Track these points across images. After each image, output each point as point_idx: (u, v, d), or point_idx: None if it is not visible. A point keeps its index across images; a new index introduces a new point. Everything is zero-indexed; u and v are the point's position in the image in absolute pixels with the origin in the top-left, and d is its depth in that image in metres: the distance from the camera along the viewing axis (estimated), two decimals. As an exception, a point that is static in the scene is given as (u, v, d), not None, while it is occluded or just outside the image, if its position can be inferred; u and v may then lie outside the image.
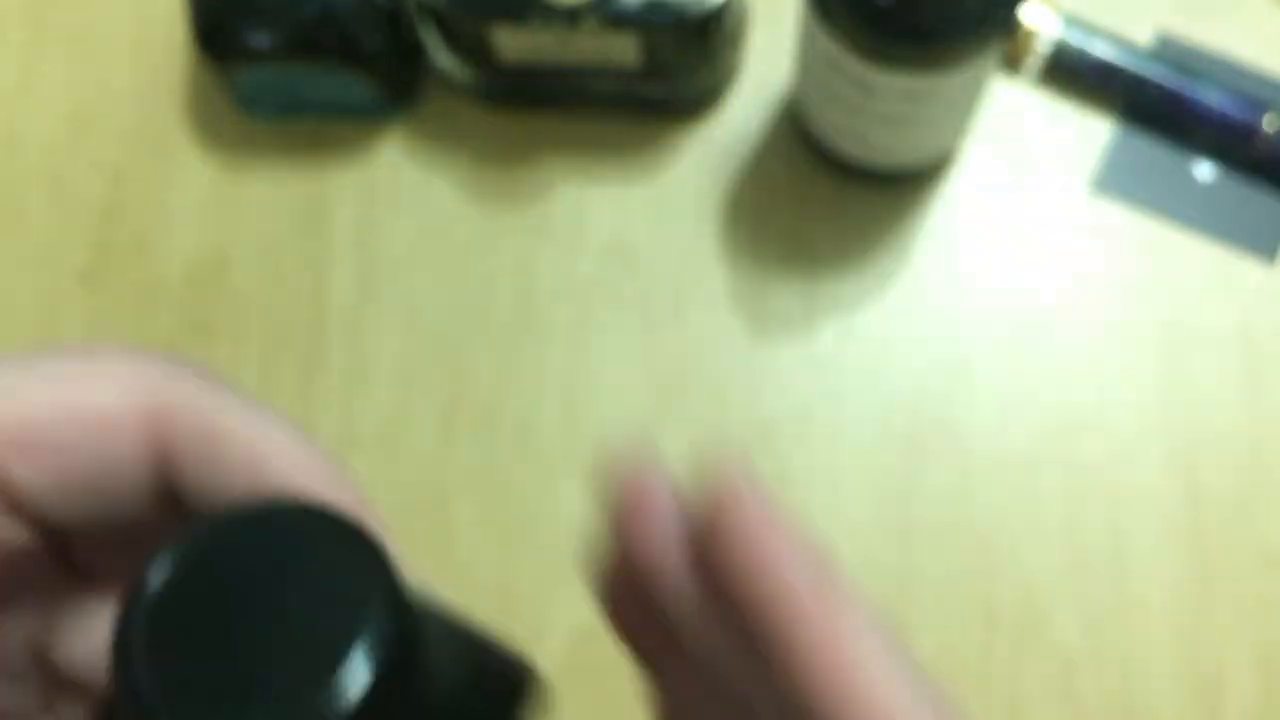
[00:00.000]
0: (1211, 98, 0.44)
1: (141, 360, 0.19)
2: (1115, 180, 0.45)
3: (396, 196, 0.46)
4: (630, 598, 0.23)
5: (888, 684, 0.19)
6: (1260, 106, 0.44)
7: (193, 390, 0.19)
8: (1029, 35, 0.45)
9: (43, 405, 0.19)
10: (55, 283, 0.45)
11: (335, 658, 0.16)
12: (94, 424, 0.19)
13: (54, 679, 0.22)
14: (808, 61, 0.40)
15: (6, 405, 0.19)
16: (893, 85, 0.37)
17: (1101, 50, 0.45)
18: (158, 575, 0.17)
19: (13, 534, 0.19)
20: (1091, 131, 0.46)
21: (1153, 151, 0.45)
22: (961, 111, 0.41)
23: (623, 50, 0.42)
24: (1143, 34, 0.46)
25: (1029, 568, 0.41)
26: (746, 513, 0.20)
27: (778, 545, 0.20)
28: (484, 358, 0.44)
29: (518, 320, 0.44)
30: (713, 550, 0.20)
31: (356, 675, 0.16)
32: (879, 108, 0.39)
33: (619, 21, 0.40)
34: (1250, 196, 0.45)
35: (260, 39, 0.42)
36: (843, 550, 0.41)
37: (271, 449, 0.19)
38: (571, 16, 0.40)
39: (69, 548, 0.20)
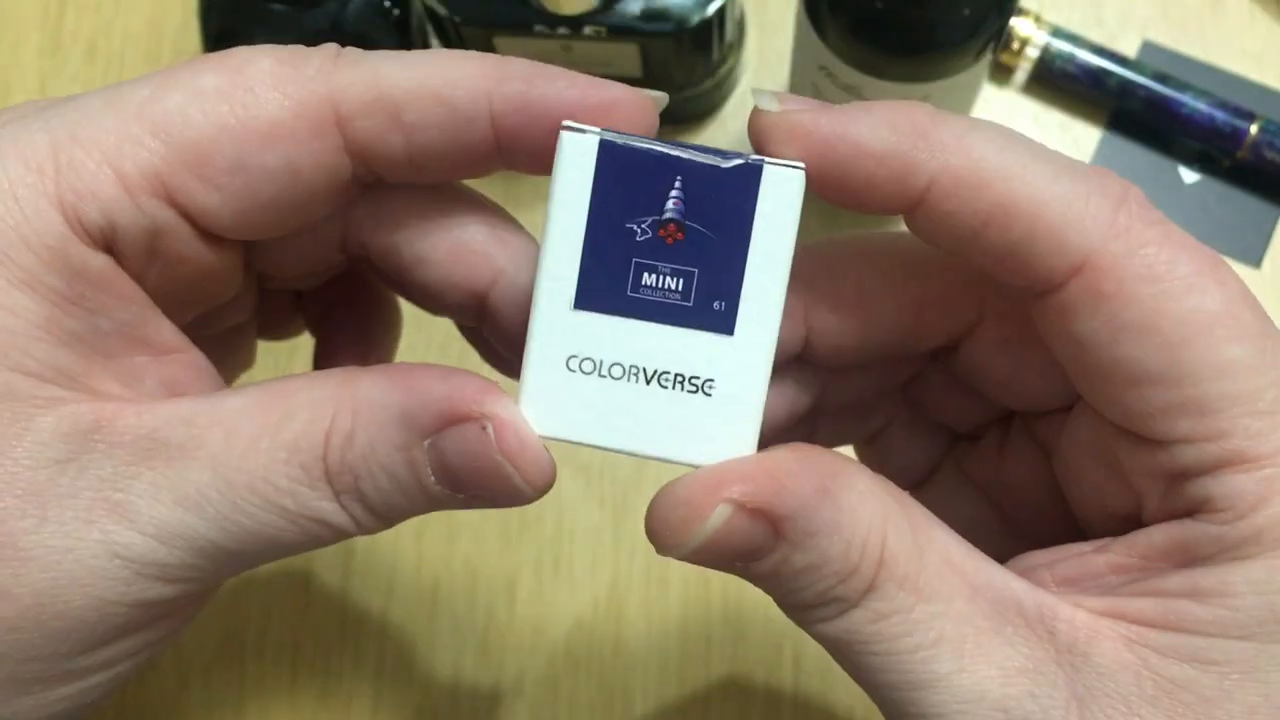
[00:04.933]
0: (1197, 106, 0.45)
1: (288, 61, 0.22)
2: (1103, 186, 0.46)
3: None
4: None
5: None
6: (1245, 114, 0.45)
7: (353, 70, 0.22)
8: (1019, 45, 0.46)
9: (209, 125, 0.21)
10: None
11: None
12: (267, 134, 0.21)
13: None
14: (802, 69, 0.41)
15: (179, 130, 0.21)
16: (885, 93, 0.38)
17: (1089, 59, 0.46)
18: None
19: (208, 258, 0.23)
20: (1079, 139, 0.47)
21: (1139, 158, 0.46)
22: (952, 118, 0.42)
23: (624, 58, 0.42)
24: (1129, 44, 0.47)
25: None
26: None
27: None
28: (488, 357, 0.45)
29: (521, 321, 0.45)
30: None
31: None
32: (872, 115, 0.40)
33: (620, 30, 0.40)
34: (1235, 202, 0.46)
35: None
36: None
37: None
38: (574, 26, 0.41)
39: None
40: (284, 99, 0.21)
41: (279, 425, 0.21)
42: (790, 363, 0.25)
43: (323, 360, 0.31)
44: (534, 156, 0.22)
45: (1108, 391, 0.21)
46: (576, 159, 0.20)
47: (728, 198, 0.20)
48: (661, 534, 0.21)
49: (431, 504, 0.22)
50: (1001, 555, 0.23)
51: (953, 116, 0.21)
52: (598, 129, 0.20)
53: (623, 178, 0.20)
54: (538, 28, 0.41)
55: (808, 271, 0.24)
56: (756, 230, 0.20)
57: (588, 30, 0.40)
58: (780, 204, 0.20)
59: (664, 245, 0.20)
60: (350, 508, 0.21)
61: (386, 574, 0.43)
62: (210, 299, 0.25)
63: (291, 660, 0.42)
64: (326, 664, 0.42)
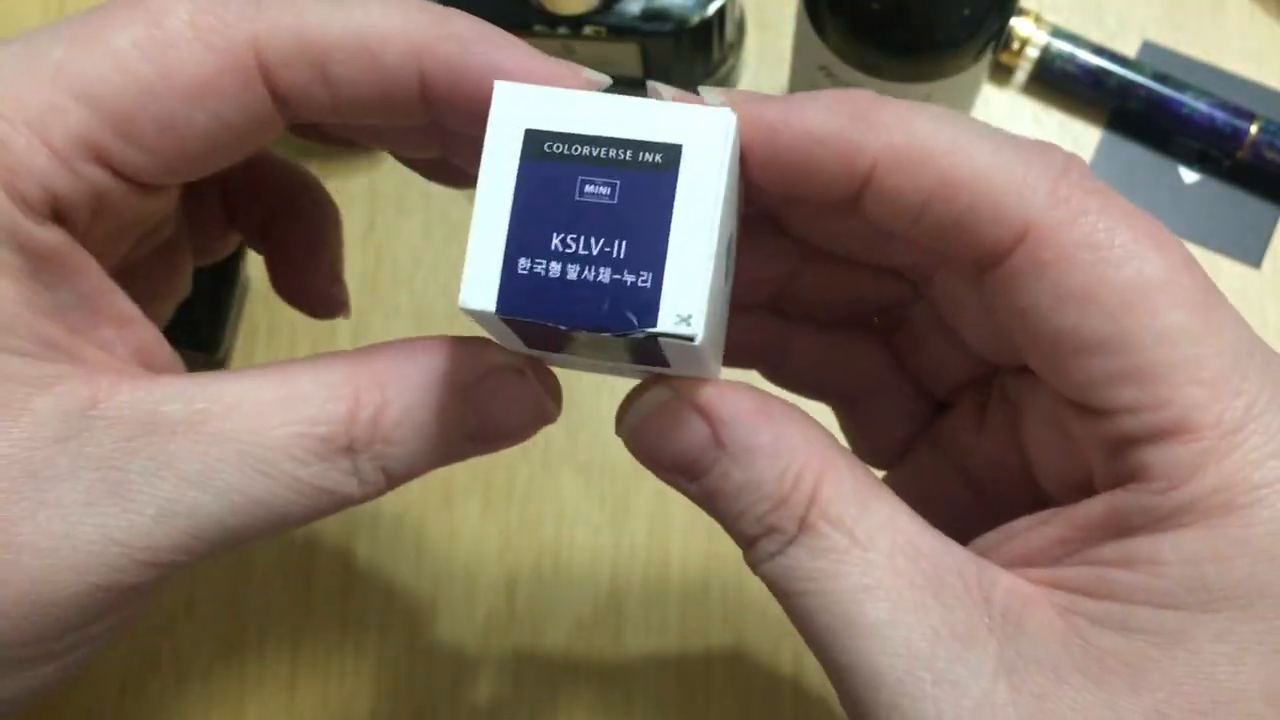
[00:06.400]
0: (1197, 106, 0.45)
1: (206, 9, 0.21)
2: (1103, 186, 0.46)
3: (403, 200, 0.46)
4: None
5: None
6: (1245, 114, 0.45)
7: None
8: (1019, 45, 0.46)
9: (132, 88, 0.21)
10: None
11: None
12: (192, 92, 0.21)
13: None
14: (802, 69, 0.41)
15: (101, 94, 0.21)
16: (885, 93, 0.38)
17: (1089, 59, 0.46)
18: None
19: (148, 203, 0.23)
20: (1079, 139, 0.47)
21: (1139, 158, 0.46)
22: (952, 118, 0.42)
23: (624, 58, 0.42)
24: (1129, 44, 0.47)
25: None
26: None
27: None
28: (488, 357, 0.45)
29: (521, 321, 0.45)
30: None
31: None
32: (872, 115, 0.40)
33: (620, 30, 0.40)
34: (1236, 202, 0.46)
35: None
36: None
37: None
38: (574, 26, 0.41)
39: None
40: (206, 51, 0.21)
41: (291, 401, 0.21)
42: (762, 226, 0.25)
43: (277, 268, 0.31)
44: (464, 120, 0.21)
45: (1053, 361, 0.21)
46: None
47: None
48: (619, 414, 0.23)
49: (448, 459, 0.23)
50: (974, 533, 0.23)
51: (894, 100, 0.21)
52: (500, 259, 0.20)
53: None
54: (538, 28, 0.41)
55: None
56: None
57: (588, 30, 0.40)
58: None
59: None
60: (368, 476, 0.22)
61: (387, 574, 0.43)
62: (148, 227, 0.25)
63: (291, 660, 0.42)
64: (326, 664, 0.42)
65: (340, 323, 0.45)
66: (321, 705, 0.41)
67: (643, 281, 0.19)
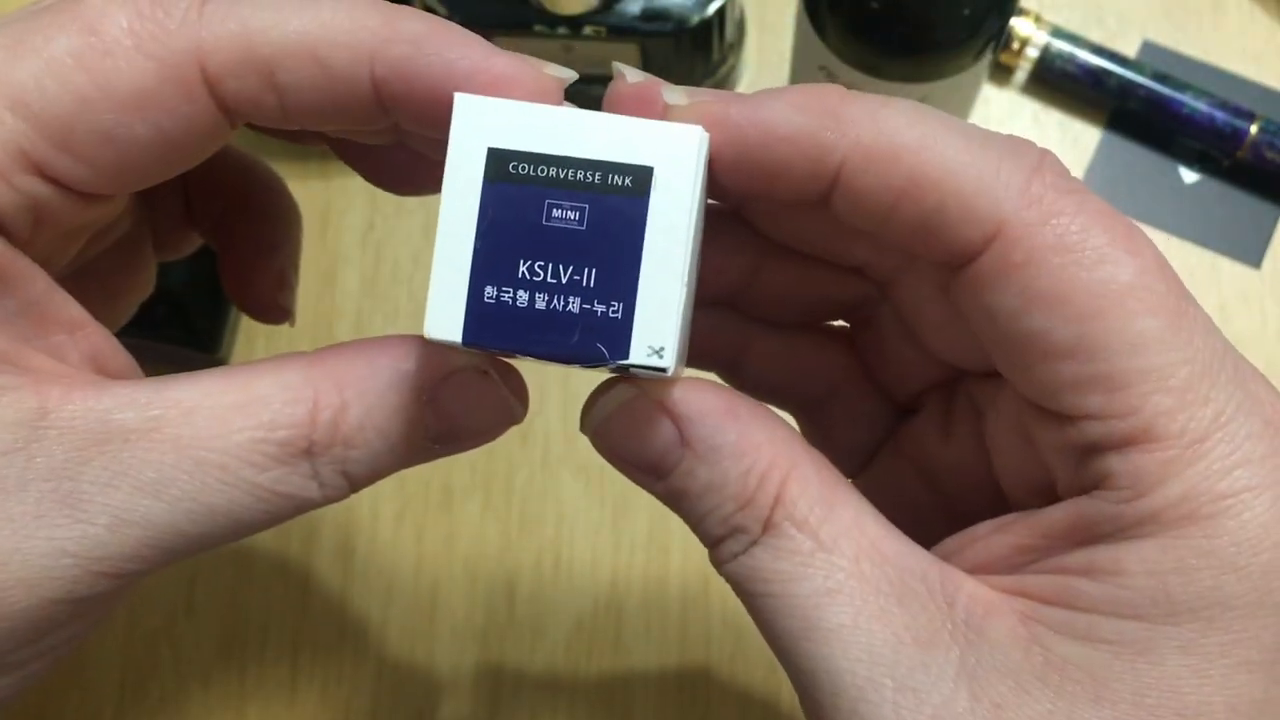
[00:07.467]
0: (1197, 106, 0.45)
1: (148, 15, 0.20)
2: (1102, 186, 0.46)
3: (403, 200, 0.46)
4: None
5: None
6: (1245, 114, 0.45)
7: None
8: (1019, 45, 0.46)
9: (69, 99, 0.20)
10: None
11: None
12: (132, 104, 0.20)
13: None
14: (802, 69, 0.41)
15: (37, 105, 0.20)
16: (884, 93, 0.38)
17: (1089, 59, 0.46)
18: None
19: (92, 211, 0.22)
20: (1079, 139, 0.47)
21: (1139, 158, 0.46)
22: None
23: (624, 59, 0.42)
24: (1129, 44, 0.47)
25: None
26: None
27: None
28: (488, 358, 0.45)
29: (521, 321, 0.45)
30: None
31: None
32: (872, 115, 0.40)
33: (620, 31, 0.40)
34: (1235, 202, 0.46)
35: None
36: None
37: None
38: (574, 26, 0.41)
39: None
40: (147, 61, 0.20)
41: (249, 405, 0.21)
42: (725, 220, 0.25)
43: (228, 269, 0.30)
44: (421, 123, 0.21)
45: (1020, 365, 0.21)
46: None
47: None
48: (584, 412, 0.22)
49: (412, 461, 0.22)
50: (938, 538, 0.23)
51: (863, 95, 0.21)
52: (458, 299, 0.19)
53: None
54: (538, 28, 0.41)
55: None
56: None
57: (588, 30, 0.40)
58: None
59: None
60: (329, 480, 0.21)
61: (386, 575, 0.43)
62: (99, 229, 0.24)
63: (291, 661, 0.42)
64: (326, 665, 0.42)
65: (340, 323, 0.45)
66: (321, 705, 0.41)
67: (613, 312, 0.19)
